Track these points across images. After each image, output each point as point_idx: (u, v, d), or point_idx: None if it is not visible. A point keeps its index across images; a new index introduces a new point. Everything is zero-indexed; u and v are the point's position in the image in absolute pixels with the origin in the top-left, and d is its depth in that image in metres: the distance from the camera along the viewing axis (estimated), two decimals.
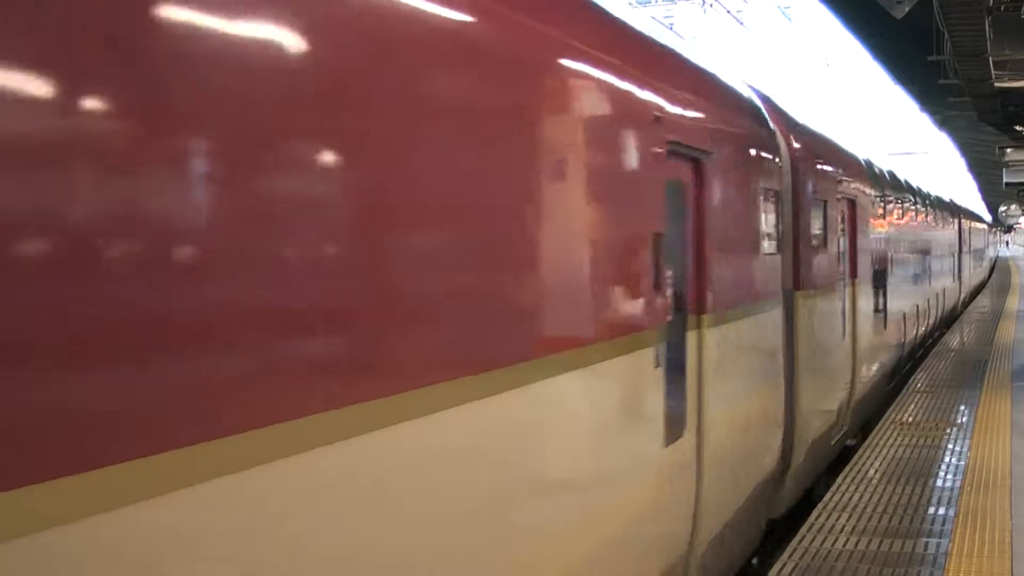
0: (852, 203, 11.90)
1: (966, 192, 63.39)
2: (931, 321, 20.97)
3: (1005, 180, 29.16)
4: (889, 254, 14.95)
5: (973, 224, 40.56)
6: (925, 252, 20.38)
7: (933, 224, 22.82)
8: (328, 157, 2.86)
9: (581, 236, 4.47)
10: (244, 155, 2.51)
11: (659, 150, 5.28)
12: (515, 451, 3.87)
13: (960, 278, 29.97)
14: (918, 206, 19.68)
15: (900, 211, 17.02)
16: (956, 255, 28.94)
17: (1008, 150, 27.39)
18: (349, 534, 2.88)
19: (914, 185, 20.07)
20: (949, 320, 25.95)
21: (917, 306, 18.18)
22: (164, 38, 2.29)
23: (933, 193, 24.41)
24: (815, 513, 7.99)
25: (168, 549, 2.30)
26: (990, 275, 53.15)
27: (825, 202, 10.15)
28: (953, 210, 29.80)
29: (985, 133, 28.98)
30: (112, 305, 2.16)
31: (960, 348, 19.31)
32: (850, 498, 8.38)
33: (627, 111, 5.00)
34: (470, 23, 3.64)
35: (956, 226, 29.70)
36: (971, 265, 36.22)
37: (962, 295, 31.02)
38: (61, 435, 2.07)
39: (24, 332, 2.00)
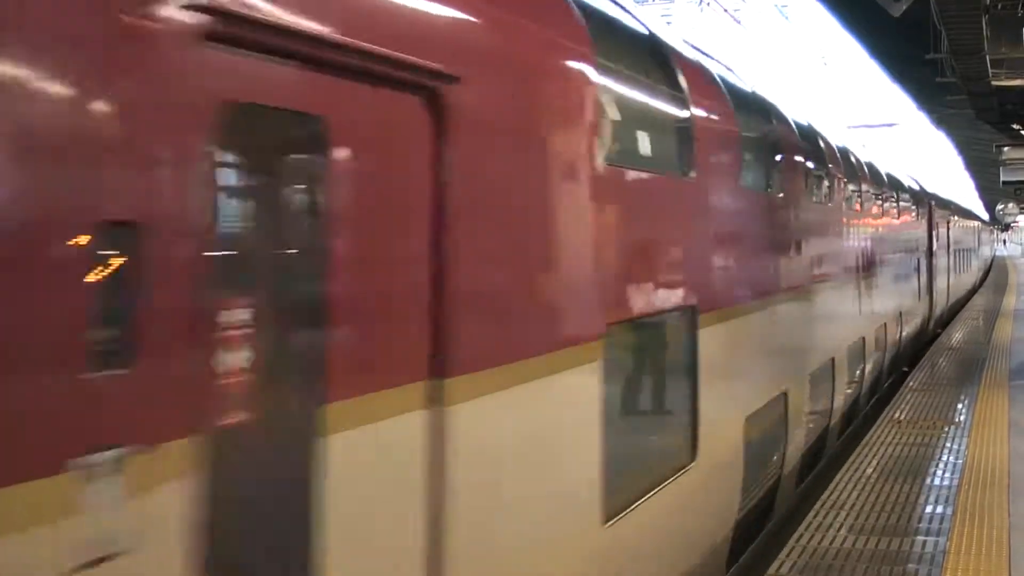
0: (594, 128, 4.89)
1: (948, 176, 55.99)
2: (866, 378, 13.97)
3: (1003, 178, 29.17)
4: (746, 268, 8.08)
5: (954, 219, 32.07)
6: (855, 259, 13.14)
7: (877, 214, 15.68)
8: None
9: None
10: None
11: None
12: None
13: (931, 292, 22.45)
14: (842, 182, 12.48)
15: (791, 182, 9.77)
16: (924, 259, 21.68)
17: (1006, 148, 27.42)
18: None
19: (827, 143, 12.23)
20: (912, 354, 19.16)
21: (832, 360, 11.06)
22: None
23: (880, 167, 16.84)
24: (813, 511, 7.99)
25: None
26: (983, 280, 45.65)
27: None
28: (919, 197, 22.06)
29: (983, 131, 29.01)
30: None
31: (956, 349, 19.29)
32: (848, 496, 8.38)
33: None
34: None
35: (925, 220, 22.48)
36: (950, 273, 27.94)
37: (936, 313, 23.81)
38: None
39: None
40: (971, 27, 14.61)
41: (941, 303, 25.08)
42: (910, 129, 40.49)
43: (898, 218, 18.14)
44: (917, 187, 22.78)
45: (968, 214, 44.35)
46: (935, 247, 23.65)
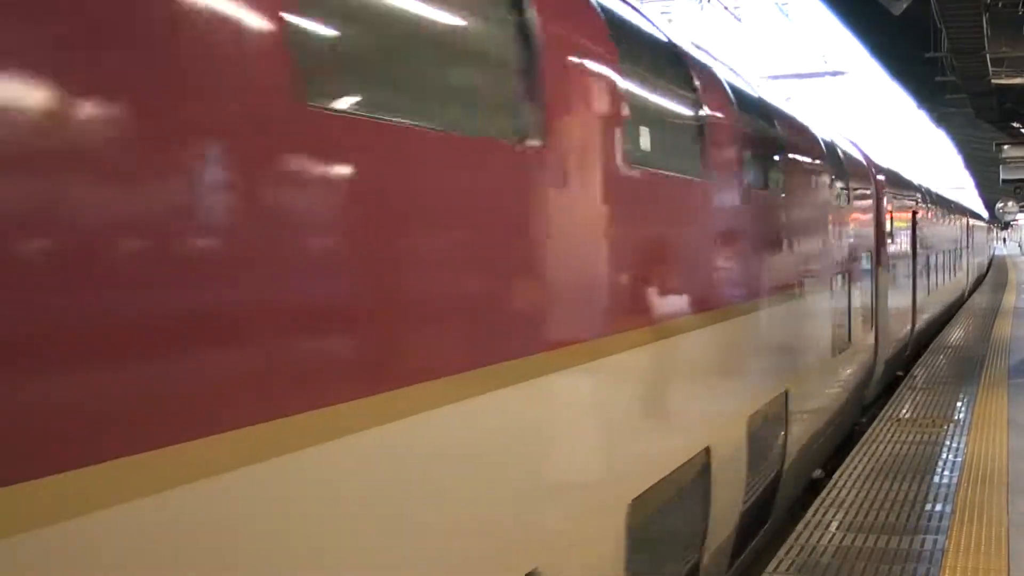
0: None
1: (947, 174, 50.84)
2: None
3: (1002, 177, 29.18)
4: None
5: (926, 206, 22.61)
6: (687, 299, 6.20)
7: (748, 197, 7.65)
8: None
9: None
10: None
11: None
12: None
13: (876, 322, 14.49)
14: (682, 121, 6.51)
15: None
16: (869, 271, 14.04)
17: (1005, 147, 27.43)
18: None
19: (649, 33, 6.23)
20: (837, 442, 12.10)
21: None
22: None
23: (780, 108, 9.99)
24: (812, 510, 7.99)
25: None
26: (975, 287, 38.73)
27: None
28: (855, 171, 13.65)
29: (982, 130, 29.00)
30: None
31: (957, 346, 19.28)
32: (847, 494, 8.39)
33: None
34: None
35: (870, 208, 14.61)
36: (917, 287, 19.57)
37: (888, 351, 15.62)
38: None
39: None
40: (971, 26, 14.60)
41: (899, 334, 17.18)
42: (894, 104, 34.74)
43: (804, 207, 10.19)
44: (859, 156, 14.84)
45: (949, 203, 31.75)
46: (889, 251, 15.93)
